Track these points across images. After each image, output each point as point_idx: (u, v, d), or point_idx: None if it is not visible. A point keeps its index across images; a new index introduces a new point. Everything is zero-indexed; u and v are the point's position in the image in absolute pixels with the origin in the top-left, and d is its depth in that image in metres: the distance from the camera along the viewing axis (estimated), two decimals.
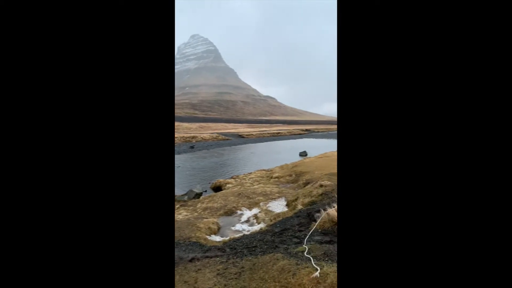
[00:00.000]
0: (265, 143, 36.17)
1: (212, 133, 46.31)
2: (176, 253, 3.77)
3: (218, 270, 3.08)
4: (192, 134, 41.63)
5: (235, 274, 2.95)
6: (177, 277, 2.99)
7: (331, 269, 2.64)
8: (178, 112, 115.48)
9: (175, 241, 4.34)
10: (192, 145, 30.00)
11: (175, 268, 3.23)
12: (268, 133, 51.46)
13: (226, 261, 3.31)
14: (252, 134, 47.66)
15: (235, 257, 3.42)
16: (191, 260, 3.47)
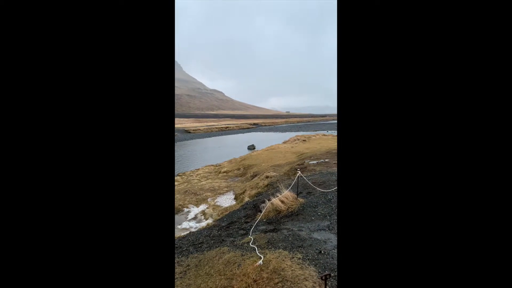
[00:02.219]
0: (213, 138, 35.70)
1: None
2: None
3: None
4: None
5: (180, 273, 2.88)
6: None
7: (273, 256, 2.79)
8: None
9: None
10: None
11: None
12: (216, 128, 50.86)
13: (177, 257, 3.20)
14: (199, 129, 46.45)
15: (180, 256, 3.33)
16: None
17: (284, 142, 22.60)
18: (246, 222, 4.35)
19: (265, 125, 69.85)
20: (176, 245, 3.83)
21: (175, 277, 2.81)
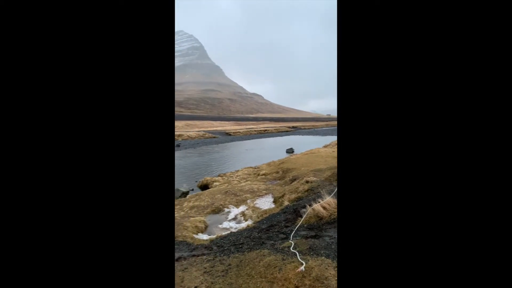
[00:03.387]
0: (252, 140, 36.22)
1: (198, 131, 45.81)
2: None
3: (205, 268, 3.07)
4: (178, 133, 41.00)
5: (222, 271, 2.96)
6: None
7: (316, 263, 2.70)
8: None
9: None
10: (178, 144, 29.56)
11: None
12: (255, 131, 51.53)
13: (213, 259, 3.31)
14: (239, 132, 47.56)
15: (222, 255, 3.42)
16: (178, 260, 3.44)
17: (325, 146, 21.88)
18: (286, 226, 4.30)
19: (305, 128, 68.54)
20: (218, 244, 3.95)
21: (217, 275, 2.90)
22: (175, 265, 3.27)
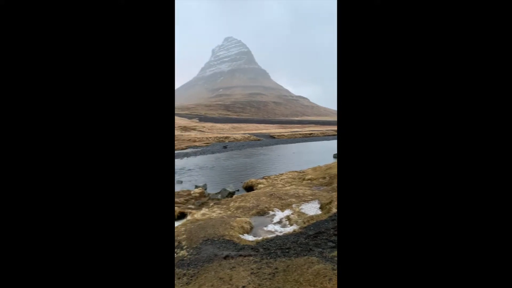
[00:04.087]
0: (297, 144, 35.70)
1: (244, 133, 47.01)
2: (211, 250, 3.89)
3: (252, 269, 3.10)
4: (225, 135, 42.70)
5: (269, 274, 2.95)
6: (212, 273, 3.08)
7: None
8: (212, 113, 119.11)
9: (210, 238, 4.48)
10: (225, 145, 30.75)
11: (211, 264, 3.33)
12: (300, 134, 50.70)
13: (260, 261, 3.33)
14: (283, 135, 47.37)
15: (268, 258, 3.42)
16: (226, 258, 3.55)
17: None
18: (335, 235, 4.10)
19: None
20: (264, 246, 3.96)
21: (264, 277, 2.90)
22: (223, 262, 3.38)
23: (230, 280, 2.88)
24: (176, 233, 4.66)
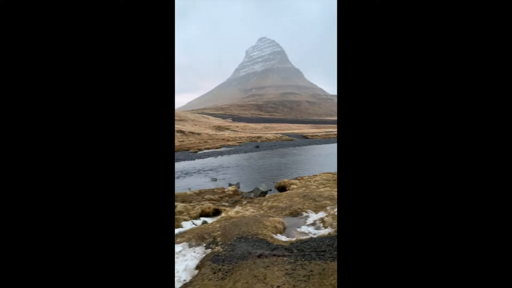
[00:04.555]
0: (331, 144, 34.58)
1: (276, 133, 46.90)
2: (245, 248, 3.94)
3: (287, 269, 3.08)
4: (257, 134, 43.04)
5: (304, 276, 2.90)
6: (246, 270, 3.12)
7: None
8: (245, 113, 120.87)
9: (244, 235, 4.54)
10: (258, 145, 30.98)
11: (245, 261, 3.38)
12: (334, 134, 49.01)
13: (294, 262, 3.29)
14: (317, 135, 46.23)
15: (303, 259, 3.37)
16: (259, 256, 3.57)
17: None
18: None
19: None
20: (298, 248, 3.91)
21: (299, 279, 2.86)
22: (257, 260, 3.41)
23: (265, 279, 2.89)
24: (211, 229, 4.82)
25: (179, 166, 17.32)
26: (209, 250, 3.91)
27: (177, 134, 40.99)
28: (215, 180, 12.86)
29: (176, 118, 69.67)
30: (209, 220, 6.41)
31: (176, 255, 3.79)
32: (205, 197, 8.56)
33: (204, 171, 15.20)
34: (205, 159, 20.56)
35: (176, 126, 51.06)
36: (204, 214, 7.02)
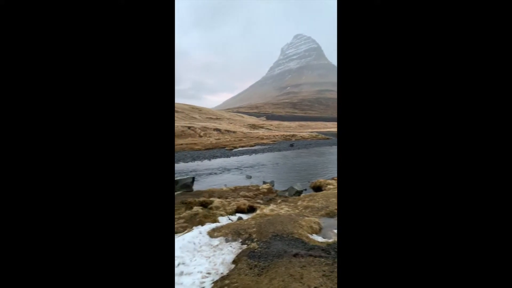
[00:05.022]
0: None
1: (311, 131, 45.87)
2: (280, 246, 3.94)
3: (324, 271, 3.00)
4: (292, 133, 42.58)
5: None
6: (282, 269, 3.12)
7: None
8: (279, 111, 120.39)
9: (279, 234, 4.54)
10: (292, 143, 30.65)
11: (281, 260, 3.38)
12: None
13: (332, 264, 3.19)
14: None
15: None
16: (295, 255, 3.53)
17: None
18: None
19: None
20: (335, 249, 3.78)
21: (337, 281, 2.76)
22: (293, 260, 3.38)
23: (301, 278, 2.86)
24: (246, 226, 4.90)
25: (216, 162, 17.93)
26: (245, 246, 3.98)
27: (213, 132, 42.46)
28: (250, 177, 13.04)
29: (212, 116, 72.12)
30: (244, 216, 6.53)
31: (213, 248, 3.94)
32: (240, 193, 8.73)
33: (239, 168, 15.51)
34: (240, 156, 20.95)
35: (212, 124, 52.90)
36: (239, 210, 7.17)
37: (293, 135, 39.10)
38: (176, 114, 61.16)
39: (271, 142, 32.24)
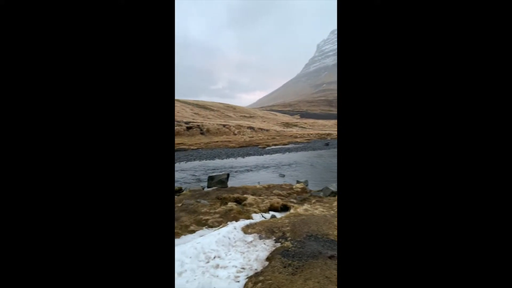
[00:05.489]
0: None
1: None
2: (315, 246, 3.86)
3: None
4: (327, 131, 41.33)
5: None
6: (317, 270, 3.05)
7: None
8: (314, 109, 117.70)
9: (314, 234, 4.45)
10: (327, 142, 29.75)
11: (316, 260, 3.31)
12: None
13: None
14: None
15: None
16: (331, 257, 3.43)
17: None
18: None
19: None
20: None
21: None
22: (328, 261, 3.28)
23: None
24: (280, 224, 4.89)
25: (249, 160, 18.17)
26: (278, 244, 3.98)
27: (247, 130, 43.04)
28: (283, 176, 12.97)
29: (246, 115, 73.13)
30: (278, 214, 6.52)
31: (247, 245, 4.01)
32: (274, 192, 8.74)
33: (272, 166, 15.51)
34: (273, 155, 20.94)
35: (246, 122, 53.67)
36: (272, 208, 7.18)
37: (328, 134, 37.90)
38: (211, 113, 63.27)
39: (305, 141, 31.65)
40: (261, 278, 2.96)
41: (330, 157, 19.86)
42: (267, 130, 46.14)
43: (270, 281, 2.87)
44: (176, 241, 4.56)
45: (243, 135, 39.33)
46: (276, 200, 7.53)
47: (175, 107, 57.07)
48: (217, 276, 3.03)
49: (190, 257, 3.30)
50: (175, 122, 39.87)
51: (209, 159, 18.48)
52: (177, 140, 32.48)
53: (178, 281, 2.85)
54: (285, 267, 3.18)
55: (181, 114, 52.04)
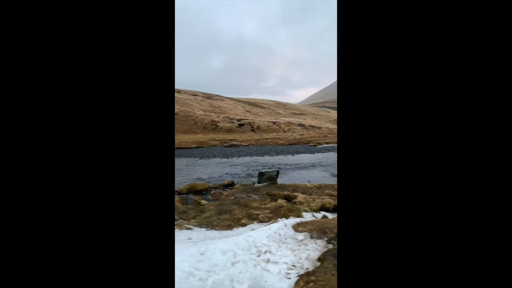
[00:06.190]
0: None
1: None
2: None
3: None
4: None
5: None
6: None
7: None
8: None
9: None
10: None
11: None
12: None
13: None
14: None
15: None
16: None
17: None
18: None
19: None
20: None
21: None
22: None
23: None
24: (332, 225, 4.71)
25: (299, 158, 17.92)
26: (330, 245, 3.84)
27: (297, 128, 42.45)
28: (335, 176, 12.43)
29: (296, 112, 72.08)
30: (329, 215, 6.29)
31: (298, 243, 3.97)
32: (325, 191, 8.44)
33: (323, 165, 14.99)
34: (325, 153, 20.21)
35: (297, 120, 52.91)
36: (324, 208, 6.96)
37: None
38: (262, 110, 64.14)
39: None
40: (313, 278, 2.90)
41: None
42: (319, 128, 44.69)
43: (322, 282, 2.80)
44: (229, 232, 4.78)
45: (293, 132, 38.90)
46: (328, 200, 7.26)
47: (228, 105, 59.52)
48: (268, 270, 3.08)
49: (242, 249, 3.43)
50: (228, 120, 41.65)
51: (259, 156, 18.81)
52: (230, 136, 33.91)
53: (231, 271, 3.00)
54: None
55: (234, 111, 54.09)
